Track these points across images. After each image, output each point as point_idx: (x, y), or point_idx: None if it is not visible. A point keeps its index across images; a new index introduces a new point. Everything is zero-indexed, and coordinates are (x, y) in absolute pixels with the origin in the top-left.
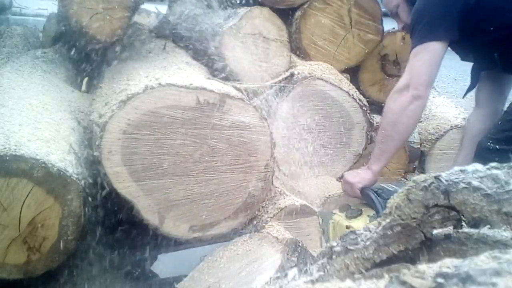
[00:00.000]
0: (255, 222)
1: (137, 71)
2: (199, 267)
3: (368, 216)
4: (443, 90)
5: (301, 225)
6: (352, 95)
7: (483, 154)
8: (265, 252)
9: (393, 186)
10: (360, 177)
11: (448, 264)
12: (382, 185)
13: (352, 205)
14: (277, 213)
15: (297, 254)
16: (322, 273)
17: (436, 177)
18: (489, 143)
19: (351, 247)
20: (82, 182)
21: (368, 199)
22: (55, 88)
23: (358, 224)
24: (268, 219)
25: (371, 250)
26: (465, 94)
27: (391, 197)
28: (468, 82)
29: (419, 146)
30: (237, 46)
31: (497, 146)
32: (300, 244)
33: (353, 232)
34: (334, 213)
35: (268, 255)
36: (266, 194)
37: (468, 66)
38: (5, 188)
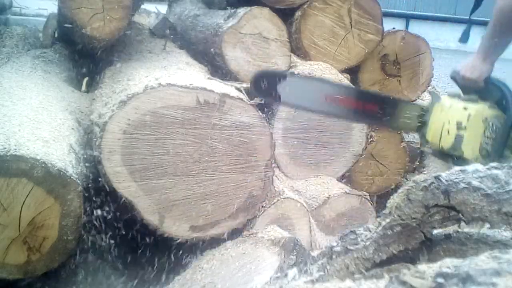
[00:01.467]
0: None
1: (137, 71)
2: (189, 269)
3: (485, 103)
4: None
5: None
6: None
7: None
8: (261, 254)
9: None
10: (480, 69)
11: (448, 264)
12: None
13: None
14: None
15: (295, 253)
16: (322, 273)
17: (436, 177)
18: None
19: (351, 247)
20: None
21: (496, 90)
22: (55, 88)
23: (478, 108)
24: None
25: (371, 250)
26: (471, 13)
27: (391, 197)
28: None
29: (419, 146)
30: (237, 46)
31: None
32: (298, 243)
33: (353, 232)
34: (442, 96)
35: (264, 257)
36: (266, 194)
37: None
38: (5, 188)
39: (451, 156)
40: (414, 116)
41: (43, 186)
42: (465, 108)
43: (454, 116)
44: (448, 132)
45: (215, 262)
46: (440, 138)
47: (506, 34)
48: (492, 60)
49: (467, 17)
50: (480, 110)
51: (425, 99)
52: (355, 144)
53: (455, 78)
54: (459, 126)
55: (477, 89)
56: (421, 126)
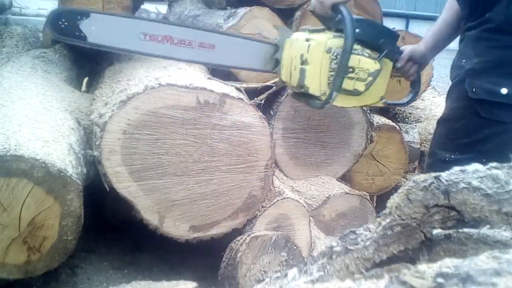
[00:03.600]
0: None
1: (137, 71)
2: None
3: (332, 33)
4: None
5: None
6: None
7: (437, 165)
8: None
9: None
10: None
11: (448, 264)
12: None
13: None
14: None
15: (287, 250)
16: (322, 273)
17: (436, 177)
18: (442, 155)
19: (351, 247)
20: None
21: (341, 15)
22: (55, 88)
23: (320, 37)
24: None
25: (371, 250)
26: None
27: (391, 197)
28: None
29: (419, 146)
30: None
31: (452, 156)
32: (290, 240)
33: (353, 232)
34: (295, 32)
35: None
36: (266, 194)
37: None
38: (5, 188)
39: (304, 95)
40: (267, 54)
41: (43, 186)
42: (307, 40)
43: (298, 50)
44: (295, 68)
45: None
46: (290, 76)
47: None
48: None
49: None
50: (322, 40)
51: (425, 99)
52: (355, 144)
53: (313, 5)
54: (302, 59)
55: (326, 16)
56: (276, 66)
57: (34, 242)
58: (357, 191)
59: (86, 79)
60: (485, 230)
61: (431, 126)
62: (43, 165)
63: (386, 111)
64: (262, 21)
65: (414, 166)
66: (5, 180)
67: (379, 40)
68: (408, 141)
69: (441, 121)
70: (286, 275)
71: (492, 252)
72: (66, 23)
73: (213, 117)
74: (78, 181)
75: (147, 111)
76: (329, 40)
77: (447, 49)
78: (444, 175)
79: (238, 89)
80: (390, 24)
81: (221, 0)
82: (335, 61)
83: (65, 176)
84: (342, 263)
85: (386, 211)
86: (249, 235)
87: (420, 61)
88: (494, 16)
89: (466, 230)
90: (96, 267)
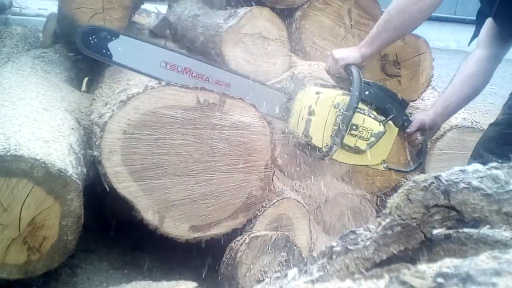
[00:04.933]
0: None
1: None
2: None
3: (342, 89)
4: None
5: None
6: None
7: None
8: None
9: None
10: (347, 54)
11: (448, 264)
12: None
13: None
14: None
15: (286, 250)
16: (322, 273)
17: (436, 177)
18: (488, 158)
19: (351, 247)
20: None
21: (351, 76)
22: (55, 88)
23: (330, 92)
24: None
25: (371, 250)
26: (470, 41)
27: (391, 197)
28: None
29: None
30: (237, 46)
31: (499, 161)
32: (290, 240)
33: (353, 232)
34: (308, 84)
35: None
36: (266, 194)
37: None
38: (5, 188)
39: (307, 146)
40: (280, 102)
41: (43, 186)
42: (317, 93)
43: (307, 101)
44: (302, 117)
45: None
46: (297, 125)
47: (384, 34)
48: (363, 51)
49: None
50: (331, 94)
51: (425, 99)
52: None
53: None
54: (309, 110)
55: (339, 75)
56: (286, 114)
57: (34, 242)
58: (357, 191)
59: (86, 79)
60: (485, 230)
61: None
62: (43, 165)
63: None
64: (262, 21)
65: None
66: (5, 180)
67: (386, 105)
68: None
69: (492, 125)
70: (286, 275)
71: (492, 252)
72: (96, 40)
73: (213, 117)
74: (78, 181)
75: (147, 111)
76: (338, 96)
77: (448, 49)
78: (444, 175)
79: None
80: None
81: (221, 0)
82: (341, 117)
83: (65, 176)
84: (342, 263)
85: (386, 211)
86: (249, 235)
87: (430, 127)
88: None
89: (466, 230)
90: (96, 267)
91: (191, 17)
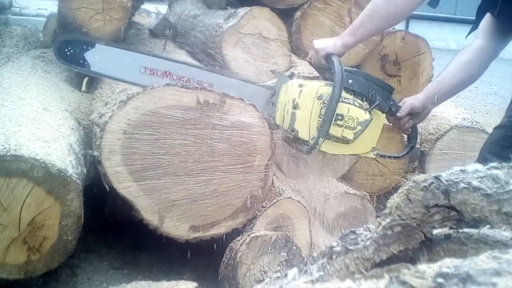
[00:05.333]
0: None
1: None
2: None
3: (325, 81)
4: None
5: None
6: None
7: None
8: None
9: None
10: (328, 44)
11: (448, 264)
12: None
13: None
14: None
15: (286, 250)
16: (322, 273)
17: (436, 177)
18: (492, 161)
19: (351, 247)
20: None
21: (332, 65)
22: (55, 88)
23: (312, 84)
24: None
25: (371, 250)
26: (468, 34)
27: (392, 197)
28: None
29: (419, 146)
30: (237, 46)
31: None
32: (290, 240)
33: (353, 232)
34: (291, 78)
35: None
36: (266, 194)
37: None
38: (5, 188)
39: (294, 140)
40: (264, 98)
41: (43, 186)
42: (300, 85)
43: (291, 95)
44: (287, 112)
45: None
46: (283, 120)
47: (369, 24)
48: (345, 40)
49: (467, 18)
50: (314, 86)
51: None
52: None
53: (309, 56)
54: (293, 104)
55: (321, 66)
56: (271, 109)
57: (34, 242)
58: (357, 191)
59: (86, 79)
60: (485, 230)
61: (431, 126)
62: (43, 165)
63: None
64: (262, 21)
65: (414, 166)
66: (5, 180)
67: (371, 92)
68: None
69: (496, 128)
70: (286, 275)
71: (492, 252)
72: (72, 51)
73: (213, 117)
74: (78, 181)
75: (147, 111)
76: (321, 87)
77: (448, 49)
78: (444, 175)
79: None
80: None
81: (221, 0)
82: (325, 108)
83: (65, 176)
84: (342, 263)
85: (386, 211)
86: (249, 235)
87: (420, 111)
88: None
89: (466, 230)
90: (96, 267)
91: (191, 17)
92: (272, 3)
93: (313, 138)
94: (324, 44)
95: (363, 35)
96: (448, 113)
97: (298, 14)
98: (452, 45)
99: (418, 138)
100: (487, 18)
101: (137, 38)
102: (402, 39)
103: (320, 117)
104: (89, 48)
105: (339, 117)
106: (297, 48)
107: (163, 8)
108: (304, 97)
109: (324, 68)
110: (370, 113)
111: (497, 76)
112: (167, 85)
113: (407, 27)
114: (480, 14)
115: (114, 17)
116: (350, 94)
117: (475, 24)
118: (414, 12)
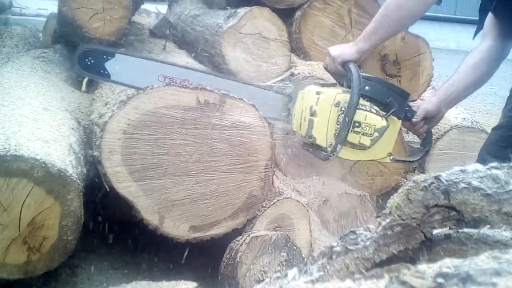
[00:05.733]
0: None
1: None
2: None
3: (342, 88)
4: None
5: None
6: None
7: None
8: None
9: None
10: (343, 50)
11: (448, 264)
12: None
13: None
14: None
15: (286, 250)
16: (322, 273)
17: (436, 177)
18: (491, 161)
19: (351, 247)
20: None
21: (349, 72)
22: (55, 88)
23: (330, 91)
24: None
25: (371, 250)
26: (474, 35)
27: (392, 197)
28: None
29: (419, 146)
30: (237, 46)
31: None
32: (290, 240)
33: (353, 232)
34: (307, 84)
35: None
36: (266, 194)
37: None
38: (5, 188)
39: (312, 146)
40: (280, 104)
41: (43, 186)
42: (317, 93)
43: (308, 102)
44: (305, 118)
45: None
46: (300, 126)
47: (382, 28)
48: (360, 47)
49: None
50: (331, 93)
51: (424, 98)
52: None
53: (326, 63)
54: (311, 111)
55: (338, 73)
56: (288, 116)
57: (34, 242)
58: (357, 191)
59: (86, 79)
60: (485, 230)
61: None
62: (43, 165)
63: None
64: (262, 21)
65: (414, 166)
66: (5, 180)
67: (387, 98)
68: (408, 141)
69: (494, 129)
70: (286, 275)
71: (492, 252)
72: (93, 61)
73: (213, 117)
74: (78, 181)
75: (147, 111)
76: (338, 94)
77: (448, 49)
78: (444, 175)
79: None
80: None
81: (221, 0)
82: (343, 115)
83: (65, 176)
84: (342, 263)
85: (386, 211)
86: (249, 235)
87: (435, 115)
88: None
89: (466, 230)
90: (96, 267)
91: (191, 17)
92: (272, 3)
93: (331, 144)
94: (340, 51)
95: (377, 40)
96: (448, 113)
97: (298, 14)
98: (452, 45)
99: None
100: (490, 18)
101: (137, 38)
102: (402, 39)
103: (338, 124)
104: (110, 58)
105: (357, 124)
106: (297, 48)
107: (163, 8)
108: (321, 104)
109: (340, 74)
110: (386, 119)
111: (497, 76)
112: (167, 85)
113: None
114: (482, 13)
115: (114, 17)
116: (367, 100)
117: (479, 23)
118: None
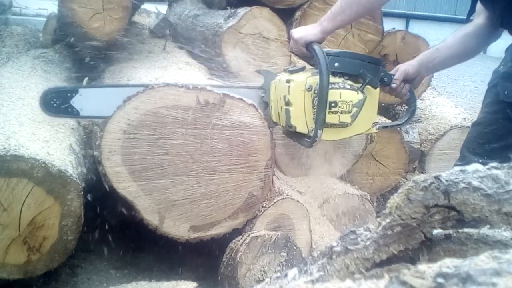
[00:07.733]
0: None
1: (137, 71)
2: None
3: (311, 71)
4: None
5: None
6: None
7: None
8: None
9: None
10: (307, 32)
11: (448, 264)
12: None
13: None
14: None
15: (286, 250)
16: (322, 273)
17: (436, 177)
18: (471, 159)
19: (351, 247)
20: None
21: (314, 53)
22: None
23: (299, 77)
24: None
25: (371, 250)
26: (467, 18)
27: (392, 197)
28: (467, 82)
29: (419, 146)
30: (237, 46)
31: (480, 161)
32: (290, 240)
33: (353, 232)
34: (278, 73)
35: None
36: (266, 194)
37: (467, 66)
38: (5, 188)
39: (295, 134)
40: (256, 98)
41: (43, 186)
42: (287, 81)
43: (281, 92)
44: (281, 109)
45: None
46: (279, 117)
47: (348, 9)
48: (324, 26)
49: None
50: (301, 79)
51: (425, 99)
52: (355, 144)
53: (290, 46)
54: (285, 101)
55: (303, 55)
56: (266, 107)
57: (34, 242)
58: (357, 191)
59: (86, 79)
60: (485, 230)
61: (431, 126)
62: (43, 165)
63: (386, 111)
64: (262, 21)
65: (414, 166)
66: (5, 180)
67: (359, 71)
68: (408, 141)
69: (473, 125)
70: (286, 275)
71: (492, 252)
72: (58, 102)
73: (213, 117)
74: (78, 181)
75: (147, 111)
76: (308, 78)
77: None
78: (444, 175)
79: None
80: (390, 24)
81: (221, 0)
82: (317, 98)
83: (65, 176)
84: (342, 263)
85: (386, 211)
86: (249, 235)
87: (414, 77)
88: None
89: (466, 230)
90: (96, 267)
91: (191, 17)
92: (272, 3)
93: (312, 130)
94: (302, 32)
95: (343, 21)
96: (448, 113)
97: (298, 14)
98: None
99: (417, 101)
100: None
101: (137, 38)
102: (402, 39)
103: (314, 108)
104: (74, 94)
105: (333, 104)
106: None
107: (163, 8)
108: (293, 92)
109: (306, 56)
110: (362, 92)
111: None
112: (167, 85)
113: (407, 27)
114: None
115: (114, 17)
116: (339, 77)
117: (471, 7)
118: (414, 12)
